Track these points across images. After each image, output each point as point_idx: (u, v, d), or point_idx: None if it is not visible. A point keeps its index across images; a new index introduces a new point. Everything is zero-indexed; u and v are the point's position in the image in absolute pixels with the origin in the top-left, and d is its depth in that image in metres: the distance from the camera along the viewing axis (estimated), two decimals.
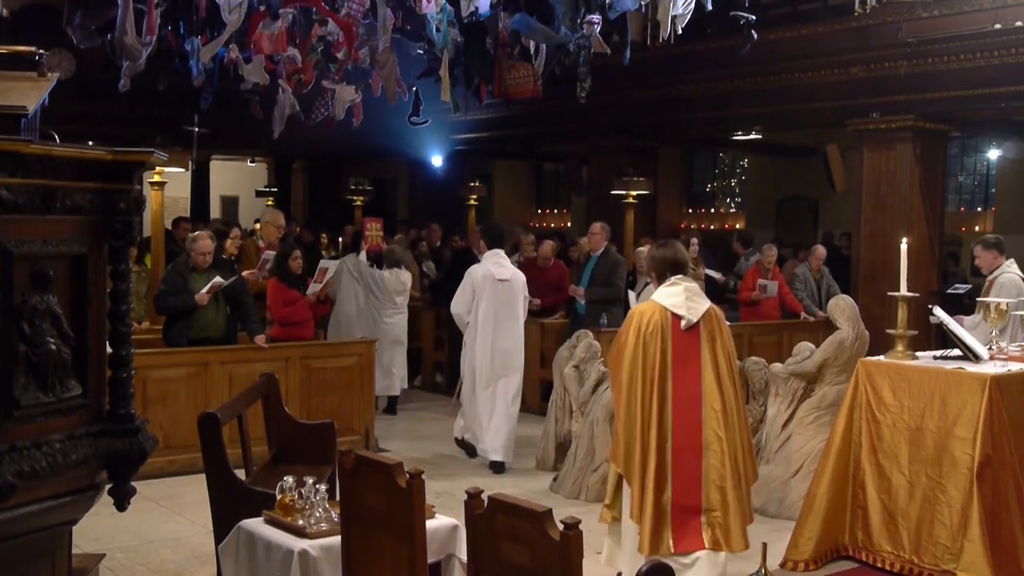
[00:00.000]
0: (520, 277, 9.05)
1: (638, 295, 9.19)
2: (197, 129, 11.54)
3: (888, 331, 6.46)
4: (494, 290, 8.74)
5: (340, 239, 13.73)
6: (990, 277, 8.53)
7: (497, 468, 8.74)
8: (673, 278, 5.76)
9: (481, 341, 8.75)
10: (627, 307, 10.36)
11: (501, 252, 9.06)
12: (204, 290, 8.50)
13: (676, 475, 5.51)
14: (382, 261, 11.10)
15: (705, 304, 5.72)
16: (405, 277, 11.22)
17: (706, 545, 5.50)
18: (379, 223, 11.59)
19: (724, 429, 5.56)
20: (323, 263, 9.46)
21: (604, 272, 10.58)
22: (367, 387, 9.43)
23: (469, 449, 9.14)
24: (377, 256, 11.12)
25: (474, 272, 8.85)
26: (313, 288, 9.39)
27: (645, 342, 5.55)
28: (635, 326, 5.61)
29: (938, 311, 6.56)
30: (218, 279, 8.56)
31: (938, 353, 6.50)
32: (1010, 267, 8.41)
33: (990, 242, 8.79)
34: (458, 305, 8.83)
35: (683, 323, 5.60)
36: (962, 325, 7.43)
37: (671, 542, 5.47)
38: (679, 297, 5.67)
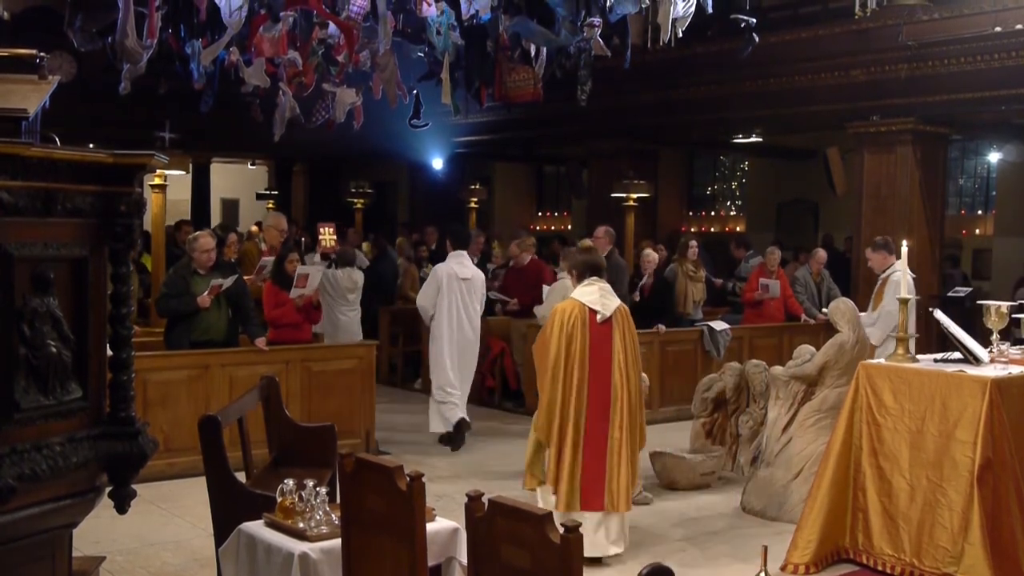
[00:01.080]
0: (480, 276, 10.05)
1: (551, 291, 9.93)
2: (168, 135, 11.53)
3: (889, 334, 6.45)
4: (458, 287, 9.69)
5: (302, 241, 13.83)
6: (882, 276, 9.14)
7: (467, 426, 9.77)
8: (590, 279, 6.67)
9: (447, 333, 9.70)
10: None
11: (464, 253, 9.96)
12: (205, 292, 8.51)
13: (588, 444, 6.40)
14: (340, 261, 11.59)
15: (616, 302, 6.64)
16: (357, 276, 11.60)
17: (604, 507, 6.39)
18: (332, 227, 12.35)
19: (627, 406, 6.48)
20: (301, 269, 9.36)
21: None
22: (367, 390, 9.43)
23: (454, 441, 9.73)
24: (333, 257, 11.65)
25: (439, 270, 9.81)
26: (296, 292, 9.30)
27: (567, 332, 6.45)
28: (559, 320, 6.51)
29: (939, 314, 6.56)
30: (219, 280, 8.57)
31: (939, 356, 6.50)
32: (900, 265, 8.29)
33: (879, 243, 9.56)
34: (424, 299, 9.82)
35: (598, 317, 6.50)
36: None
37: (580, 502, 6.36)
38: (595, 295, 6.58)
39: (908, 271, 8.38)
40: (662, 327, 11.06)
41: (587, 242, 9.69)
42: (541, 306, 10.00)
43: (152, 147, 11.75)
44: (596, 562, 6.29)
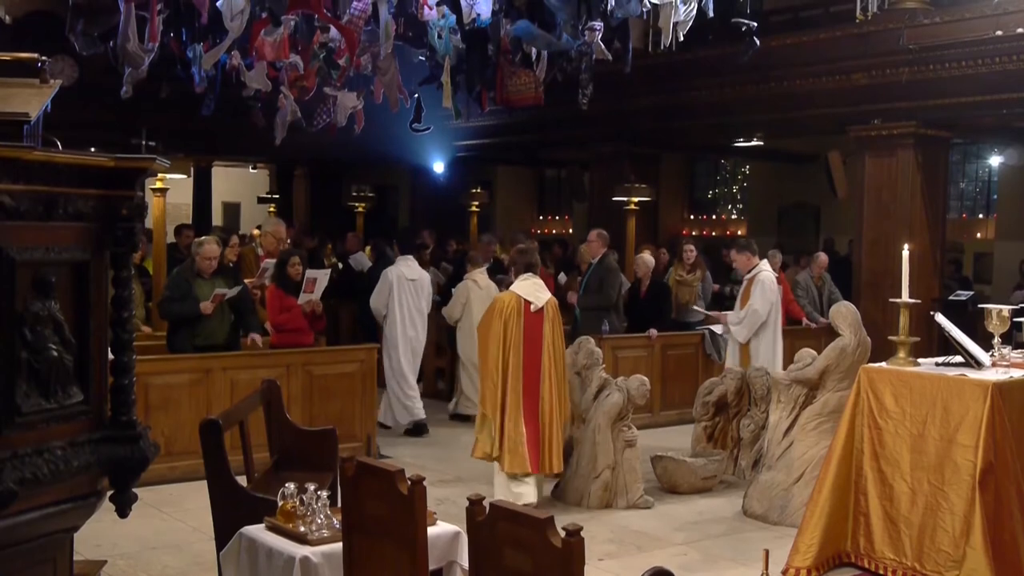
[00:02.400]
0: (426, 277, 10.84)
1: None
2: (145, 142, 11.52)
3: (890, 337, 6.46)
4: (408, 288, 10.46)
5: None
6: (747, 277, 9.65)
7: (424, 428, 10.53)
8: (526, 275, 7.80)
9: (401, 332, 10.42)
10: (619, 315, 10.39)
11: (411, 257, 10.76)
12: (208, 300, 8.54)
13: (525, 415, 7.51)
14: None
15: (547, 295, 7.79)
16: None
17: (538, 469, 7.55)
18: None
19: (555, 384, 7.65)
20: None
21: (597, 279, 10.65)
22: (369, 394, 9.43)
23: (419, 429, 10.52)
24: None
25: (389, 273, 10.47)
26: (304, 298, 9.31)
27: (505, 320, 7.55)
28: (498, 309, 7.64)
29: (940, 318, 6.55)
30: (222, 289, 8.59)
31: (940, 360, 6.49)
32: (764, 267, 9.57)
33: (742, 244, 9.99)
34: (376, 301, 10.46)
35: (532, 307, 7.62)
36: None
37: (517, 463, 7.47)
38: (529, 289, 7.70)
39: (771, 271, 9.54)
40: (654, 332, 11.03)
41: (526, 244, 9.96)
42: (447, 306, 11.27)
43: (183, 146, 11.81)
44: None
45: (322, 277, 9.38)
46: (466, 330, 10.96)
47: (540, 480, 7.72)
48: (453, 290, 11.51)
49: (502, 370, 7.52)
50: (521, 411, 7.51)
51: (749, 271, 9.67)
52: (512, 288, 7.80)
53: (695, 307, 10.32)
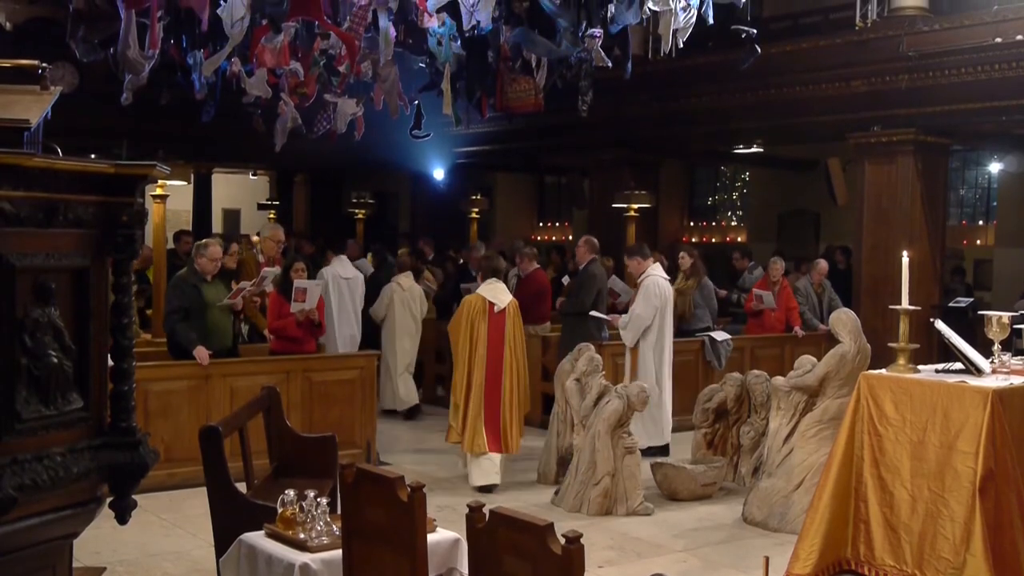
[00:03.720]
0: (359, 277, 11.52)
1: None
2: (125, 152, 11.55)
3: (890, 344, 6.45)
4: (345, 286, 11.13)
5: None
6: (638, 281, 9.94)
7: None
8: (491, 279, 8.75)
9: (337, 328, 10.97)
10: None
11: (344, 257, 11.73)
12: (229, 297, 8.75)
13: (487, 404, 8.41)
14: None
15: (508, 297, 8.73)
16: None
17: (500, 449, 8.44)
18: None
19: (516, 375, 8.57)
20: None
21: (577, 285, 10.84)
22: (368, 400, 9.42)
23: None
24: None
25: (325, 272, 11.14)
26: (296, 307, 9.25)
27: (472, 319, 8.51)
28: (466, 310, 8.60)
29: (940, 325, 6.55)
30: (244, 283, 8.69)
31: (940, 366, 6.49)
32: (655, 270, 9.85)
33: (633, 250, 10.37)
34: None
35: (496, 308, 8.53)
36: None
37: (477, 444, 8.39)
38: (493, 291, 8.63)
39: (662, 274, 9.90)
40: None
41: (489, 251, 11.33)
42: (373, 306, 11.85)
43: (184, 153, 11.83)
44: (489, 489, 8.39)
45: (313, 288, 9.27)
46: (389, 330, 11.83)
47: (503, 460, 8.56)
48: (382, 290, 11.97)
49: (469, 362, 8.47)
50: (483, 398, 8.42)
51: (640, 276, 9.90)
52: (478, 291, 8.74)
53: (593, 312, 10.45)
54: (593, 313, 10.35)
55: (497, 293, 8.63)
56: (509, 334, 8.55)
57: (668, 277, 10.07)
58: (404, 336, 11.78)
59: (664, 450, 9.74)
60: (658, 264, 10.03)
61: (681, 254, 12.11)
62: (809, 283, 12.95)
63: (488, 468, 8.47)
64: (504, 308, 8.56)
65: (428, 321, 12.50)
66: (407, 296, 11.78)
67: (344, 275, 11.16)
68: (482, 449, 8.40)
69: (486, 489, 8.37)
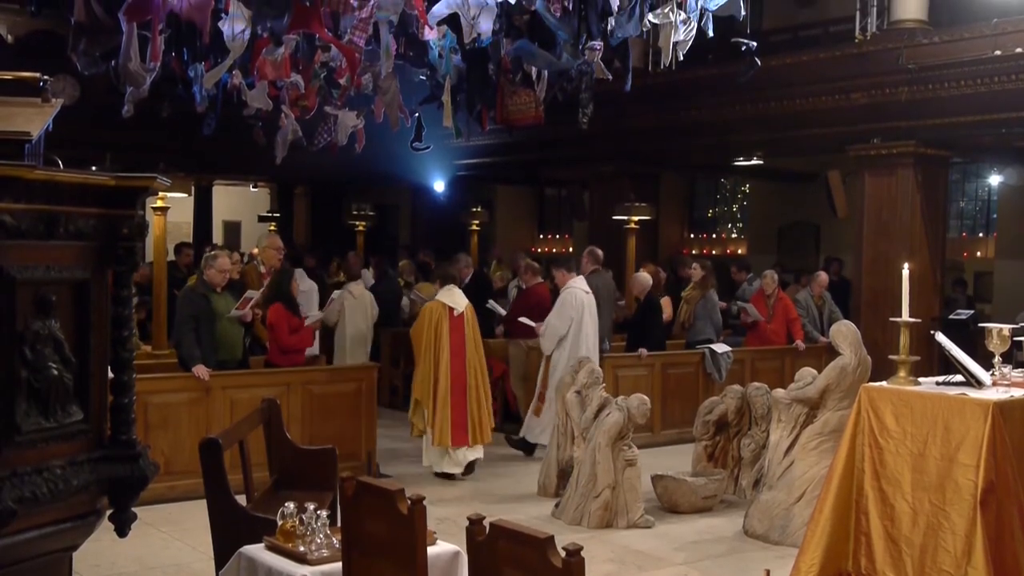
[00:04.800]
0: (313, 287, 11.74)
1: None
2: (108, 166, 11.58)
3: (890, 357, 6.44)
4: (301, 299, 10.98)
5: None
6: (562, 292, 10.35)
7: None
8: (449, 286, 9.47)
9: None
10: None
11: (301, 270, 11.78)
12: (238, 307, 8.80)
13: (453, 400, 9.13)
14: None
15: (465, 301, 9.47)
16: None
17: (469, 442, 9.22)
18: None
19: (479, 374, 9.39)
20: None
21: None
22: (368, 413, 9.42)
23: None
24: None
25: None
26: (314, 318, 9.56)
27: (435, 323, 9.19)
28: (428, 314, 9.29)
29: (940, 337, 6.54)
30: (251, 292, 8.71)
31: (941, 379, 6.48)
32: (576, 283, 10.29)
33: (559, 262, 10.98)
34: None
35: (455, 312, 9.27)
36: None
37: (444, 439, 9.09)
38: (452, 297, 9.38)
39: (584, 287, 10.30)
40: (644, 351, 11.02)
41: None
42: (326, 313, 11.54)
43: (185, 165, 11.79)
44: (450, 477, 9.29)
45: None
46: (341, 336, 11.78)
47: (464, 454, 9.32)
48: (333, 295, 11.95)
49: (434, 364, 9.14)
50: (449, 396, 9.10)
51: (564, 287, 10.33)
52: (437, 297, 9.45)
53: (489, 303, 11.04)
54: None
55: (455, 298, 9.40)
56: (469, 335, 9.32)
57: (589, 290, 10.41)
58: (357, 344, 11.77)
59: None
60: (581, 278, 10.47)
61: (694, 265, 12.21)
62: (809, 295, 12.96)
63: (454, 459, 9.26)
64: (462, 312, 9.33)
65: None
66: (358, 303, 11.76)
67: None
68: (447, 444, 9.12)
69: (447, 476, 9.30)
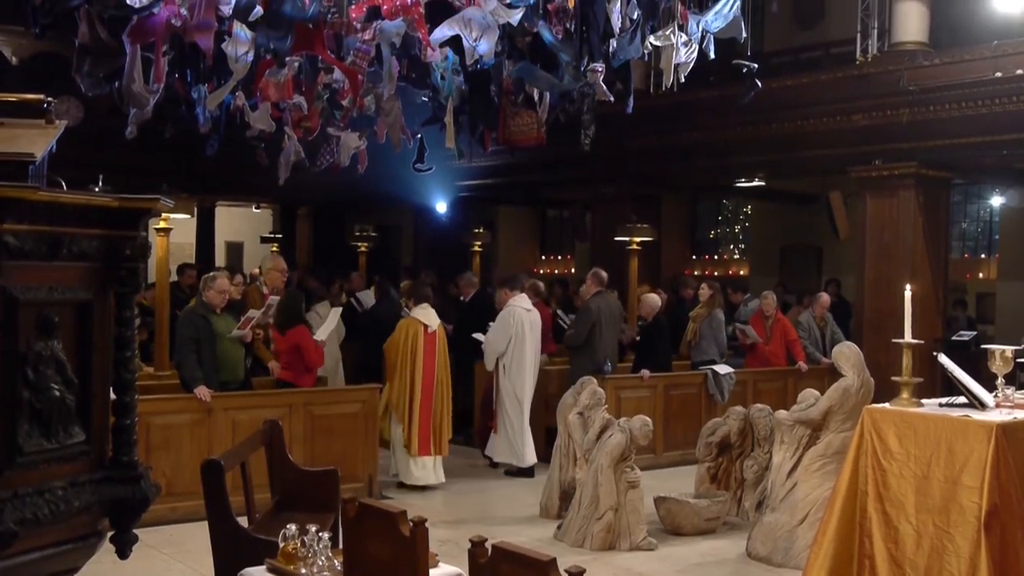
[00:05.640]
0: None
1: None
2: (100, 187, 11.59)
3: (893, 378, 6.43)
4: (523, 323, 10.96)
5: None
6: (503, 310, 10.59)
7: None
8: (423, 304, 9.88)
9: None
10: (592, 350, 10.62)
11: (327, 303, 12.11)
12: (239, 326, 8.80)
13: (422, 412, 9.58)
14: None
15: (437, 320, 9.91)
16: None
17: (432, 452, 9.68)
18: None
19: (444, 387, 9.83)
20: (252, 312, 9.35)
21: (579, 315, 11.18)
22: (371, 434, 9.40)
23: None
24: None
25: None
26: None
27: (411, 339, 9.61)
28: (404, 331, 9.70)
29: (943, 358, 6.53)
30: (252, 312, 8.72)
31: (944, 400, 6.47)
32: (517, 302, 10.52)
33: (500, 281, 11.42)
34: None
35: (428, 329, 9.71)
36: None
37: (418, 449, 9.56)
38: (426, 315, 9.79)
39: (524, 305, 10.53)
40: (646, 372, 11.01)
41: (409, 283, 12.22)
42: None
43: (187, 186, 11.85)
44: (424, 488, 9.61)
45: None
46: None
47: (437, 462, 9.77)
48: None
49: (411, 378, 9.56)
50: (420, 408, 9.55)
51: (505, 305, 10.58)
52: (412, 315, 9.87)
53: (475, 335, 11.21)
54: (476, 336, 11.09)
55: (428, 316, 9.82)
56: (439, 351, 9.78)
57: (530, 308, 10.61)
58: (329, 363, 11.71)
59: (528, 472, 10.35)
60: (524, 296, 10.67)
61: (702, 285, 12.22)
62: (812, 317, 12.95)
63: (429, 467, 9.71)
64: (435, 330, 9.78)
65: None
66: (327, 324, 11.50)
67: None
68: (416, 453, 9.59)
69: (426, 488, 9.68)
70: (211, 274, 9.19)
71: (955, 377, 6.31)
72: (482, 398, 11.15)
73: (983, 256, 17.74)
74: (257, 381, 9.64)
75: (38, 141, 3.32)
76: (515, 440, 10.36)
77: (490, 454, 10.69)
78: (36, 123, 3.42)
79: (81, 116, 12.99)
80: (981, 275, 17.56)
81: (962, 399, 6.29)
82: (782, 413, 7.85)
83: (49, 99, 3.50)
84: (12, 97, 3.50)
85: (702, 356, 11.79)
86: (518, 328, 10.35)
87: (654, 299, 11.55)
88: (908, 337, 6.39)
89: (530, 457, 10.42)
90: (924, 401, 6.40)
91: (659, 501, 8.44)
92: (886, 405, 6.42)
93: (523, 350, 10.37)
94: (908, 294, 6.44)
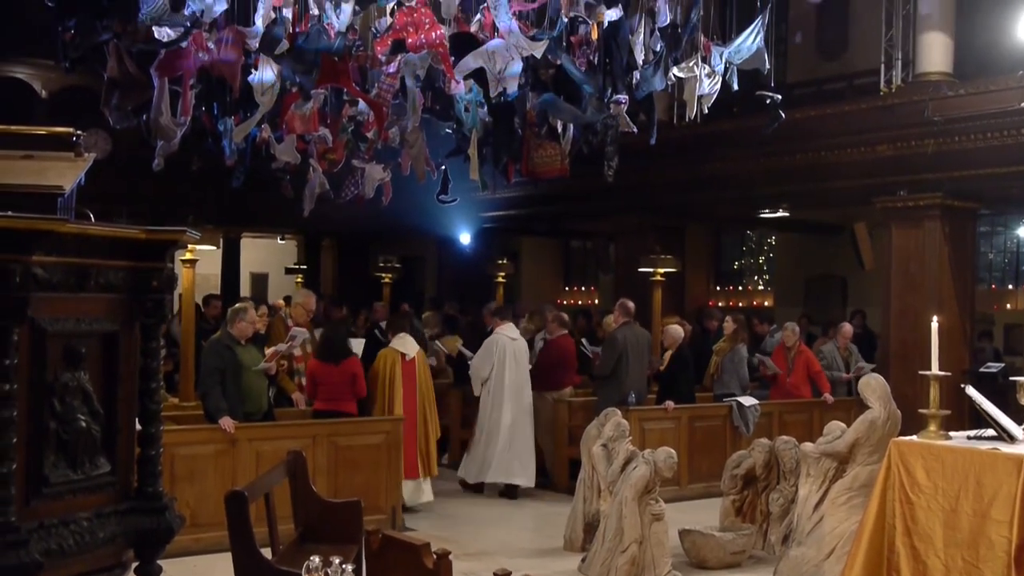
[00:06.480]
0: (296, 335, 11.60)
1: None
2: (90, 214, 11.69)
3: (920, 411, 6.38)
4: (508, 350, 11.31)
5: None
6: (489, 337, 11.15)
7: None
8: (401, 334, 10.26)
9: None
10: (618, 381, 10.64)
11: (511, 324, 11.73)
12: (265, 360, 8.94)
13: (405, 438, 9.63)
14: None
15: (416, 348, 10.25)
16: None
17: (420, 475, 9.97)
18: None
19: (429, 411, 10.17)
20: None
21: (605, 347, 11.19)
22: (394, 465, 9.38)
23: None
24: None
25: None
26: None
27: (389, 368, 9.96)
28: (382, 360, 10.06)
29: (971, 391, 6.47)
30: (282, 345, 8.86)
31: (972, 433, 6.40)
32: (503, 330, 11.00)
33: (493, 311, 12.00)
34: None
35: (406, 357, 10.06)
36: None
37: (404, 472, 9.63)
38: (404, 344, 10.15)
39: (510, 334, 10.95)
40: (670, 404, 10.96)
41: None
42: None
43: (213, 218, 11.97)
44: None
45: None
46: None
47: (426, 482, 10.14)
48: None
49: (390, 406, 9.88)
50: (402, 432, 9.59)
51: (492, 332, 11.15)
52: (391, 345, 10.23)
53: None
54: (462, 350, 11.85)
55: (407, 345, 10.18)
56: (420, 377, 10.17)
57: (515, 338, 11.07)
58: None
59: (479, 488, 10.95)
60: (510, 324, 11.22)
61: (727, 318, 12.20)
62: (835, 347, 12.88)
63: (409, 488, 9.90)
64: (413, 357, 10.15)
65: (443, 385, 12.47)
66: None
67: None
68: (404, 476, 9.72)
69: (414, 509, 9.97)
70: (240, 305, 9.24)
71: (983, 409, 6.25)
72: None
73: (1010, 287, 17.59)
74: (281, 412, 9.68)
75: (67, 174, 3.35)
76: (476, 454, 10.91)
77: (466, 476, 11.08)
78: (65, 156, 3.46)
79: (109, 149, 13.12)
80: (1008, 306, 17.41)
81: (990, 432, 6.23)
82: (808, 445, 7.79)
83: (78, 132, 3.54)
84: (42, 130, 3.54)
85: (724, 389, 11.76)
86: (501, 355, 10.83)
87: (677, 330, 11.52)
88: (935, 369, 6.34)
89: (521, 479, 10.84)
90: (952, 434, 6.34)
91: (684, 534, 8.38)
92: (913, 438, 6.36)
93: (503, 376, 10.83)
94: (935, 325, 6.40)
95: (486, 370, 10.86)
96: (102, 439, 3.23)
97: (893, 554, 6.18)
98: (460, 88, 8.66)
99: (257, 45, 7.79)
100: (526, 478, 10.85)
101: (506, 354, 10.86)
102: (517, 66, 7.72)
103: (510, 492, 10.88)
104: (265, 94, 8.09)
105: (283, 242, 25.21)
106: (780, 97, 9.52)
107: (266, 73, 8.06)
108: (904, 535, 6.14)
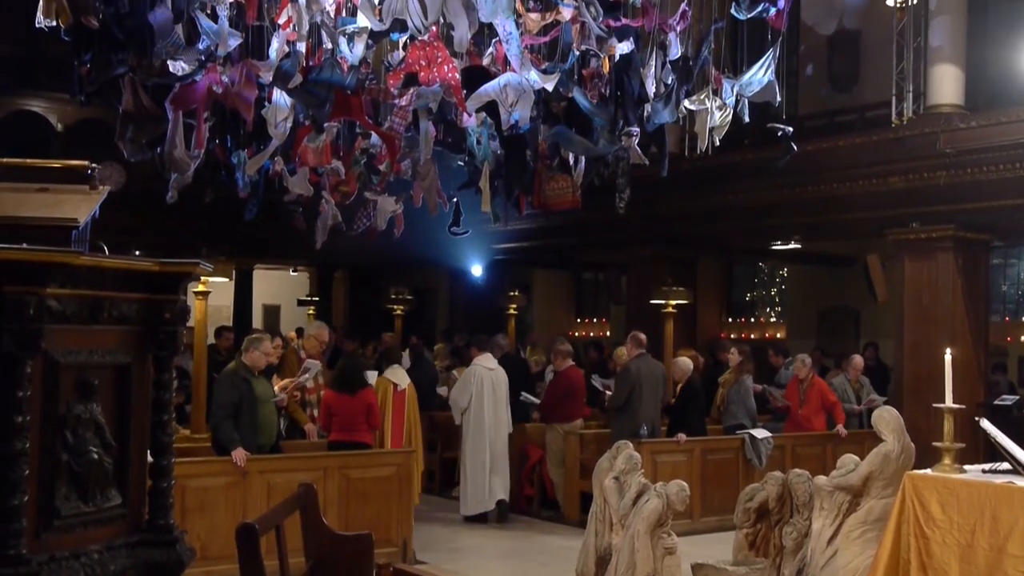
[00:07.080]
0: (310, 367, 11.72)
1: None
2: (86, 240, 11.75)
3: (935, 444, 6.34)
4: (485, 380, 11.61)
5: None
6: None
7: None
8: (393, 366, 10.75)
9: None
10: (632, 412, 10.64)
11: (488, 354, 12.02)
12: (283, 390, 9.10)
13: None
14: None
15: (407, 379, 10.67)
16: None
17: None
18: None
19: (417, 440, 10.60)
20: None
21: (618, 379, 11.30)
22: (405, 498, 9.35)
23: None
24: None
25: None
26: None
27: (382, 396, 10.15)
28: (380, 389, 10.25)
29: (985, 423, 6.44)
30: (303, 377, 9.28)
31: (987, 466, 6.36)
32: (481, 361, 11.37)
33: (479, 341, 12.16)
34: None
35: (398, 388, 10.39)
36: None
37: None
38: (395, 375, 10.54)
39: (487, 364, 11.31)
40: (682, 436, 10.93)
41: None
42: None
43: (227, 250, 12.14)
44: None
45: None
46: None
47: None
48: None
49: (380, 434, 10.08)
50: None
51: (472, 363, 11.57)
52: (384, 375, 10.52)
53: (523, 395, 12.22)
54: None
55: (398, 376, 10.57)
56: (409, 406, 10.52)
57: (493, 368, 11.40)
58: None
59: (482, 518, 11.10)
60: (488, 356, 11.52)
61: (732, 350, 12.17)
62: (846, 380, 12.83)
63: None
64: (404, 388, 10.52)
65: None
66: None
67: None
68: None
69: None
70: (255, 336, 9.27)
71: (998, 443, 6.22)
72: None
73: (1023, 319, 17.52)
74: (289, 444, 9.66)
75: (82, 207, 3.38)
76: (472, 489, 11.11)
77: (463, 512, 11.24)
78: (80, 189, 3.48)
79: (123, 181, 13.19)
80: (1022, 338, 17.32)
81: (1006, 465, 6.19)
82: (821, 479, 7.74)
83: (93, 165, 3.56)
84: (57, 163, 3.57)
85: (732, 420, 11.74)
86: (478, 385, 11.20)
87: (686, 363, 11.50)
88: (949, 402, 6.31)
89: (501, 493, 11.16)
90: (967, 467, 6.30)
91: (696, 568, 8.31)
92: (928, 471, 6.32)
93: (481, 405, 11.16)
94: (948, 358, 6.38)
95: (464, 400, 11.24)
96: (114, 471, 3.23)
97: None
98: (472, 121, 8.71)
99: (271, 78, 7.85)
100: (504, 491, 11.23)
101: (483, 384, 11.21)
102: (529, 100, 7.77)
103: (502, 511, 11.15)
104: (279, 123, 8.14)
105: (295, 274, 25.27)
106: (792, 129, 9.53)
107: (280, 101, 8.13)
108: (919, 570, 6.09)
